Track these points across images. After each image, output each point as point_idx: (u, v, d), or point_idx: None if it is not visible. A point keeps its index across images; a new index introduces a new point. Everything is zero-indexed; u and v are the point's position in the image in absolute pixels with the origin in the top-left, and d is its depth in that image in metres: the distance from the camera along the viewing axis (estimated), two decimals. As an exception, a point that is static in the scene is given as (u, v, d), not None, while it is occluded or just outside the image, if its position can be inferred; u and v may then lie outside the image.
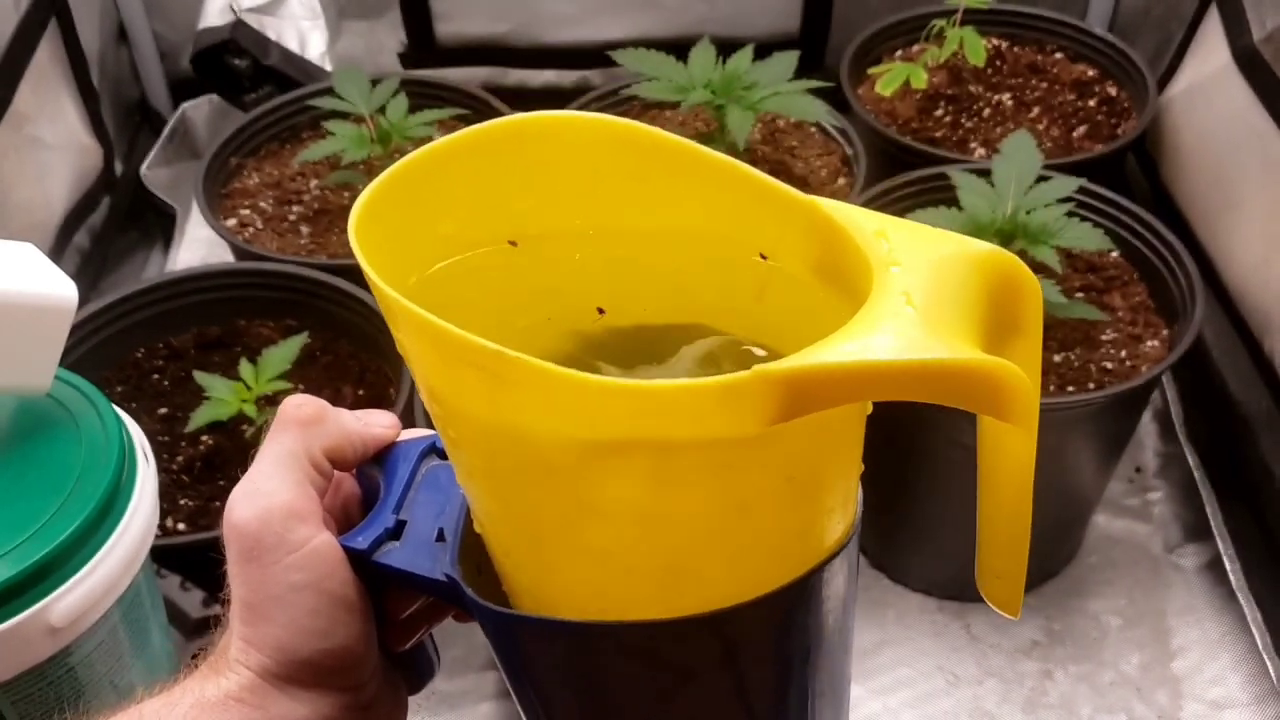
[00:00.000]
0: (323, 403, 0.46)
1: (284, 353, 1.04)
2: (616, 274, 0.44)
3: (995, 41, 1.48)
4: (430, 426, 0.43)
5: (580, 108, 1.36)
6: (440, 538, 0.44)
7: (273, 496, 0.43)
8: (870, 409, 0.40)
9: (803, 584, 0.40)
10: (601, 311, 0.44)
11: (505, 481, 0.39)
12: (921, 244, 0.38)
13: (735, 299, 0.43)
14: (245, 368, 1.03)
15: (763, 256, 0.42)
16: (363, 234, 0.37)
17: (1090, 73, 1.45)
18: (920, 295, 0.35)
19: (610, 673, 0.42)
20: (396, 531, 0.45)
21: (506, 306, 0.43)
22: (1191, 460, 1.32)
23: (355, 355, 1.13)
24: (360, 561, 0.44)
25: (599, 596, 0.40)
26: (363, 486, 0.48)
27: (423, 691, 1.22)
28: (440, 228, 0.41)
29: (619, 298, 0.44)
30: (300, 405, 0.45)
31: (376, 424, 0.47)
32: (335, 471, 0.46)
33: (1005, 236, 1.06)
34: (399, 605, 0.47)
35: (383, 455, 0.47)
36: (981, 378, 0.34)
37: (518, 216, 0.42)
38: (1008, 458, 0.40)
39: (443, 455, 0.47)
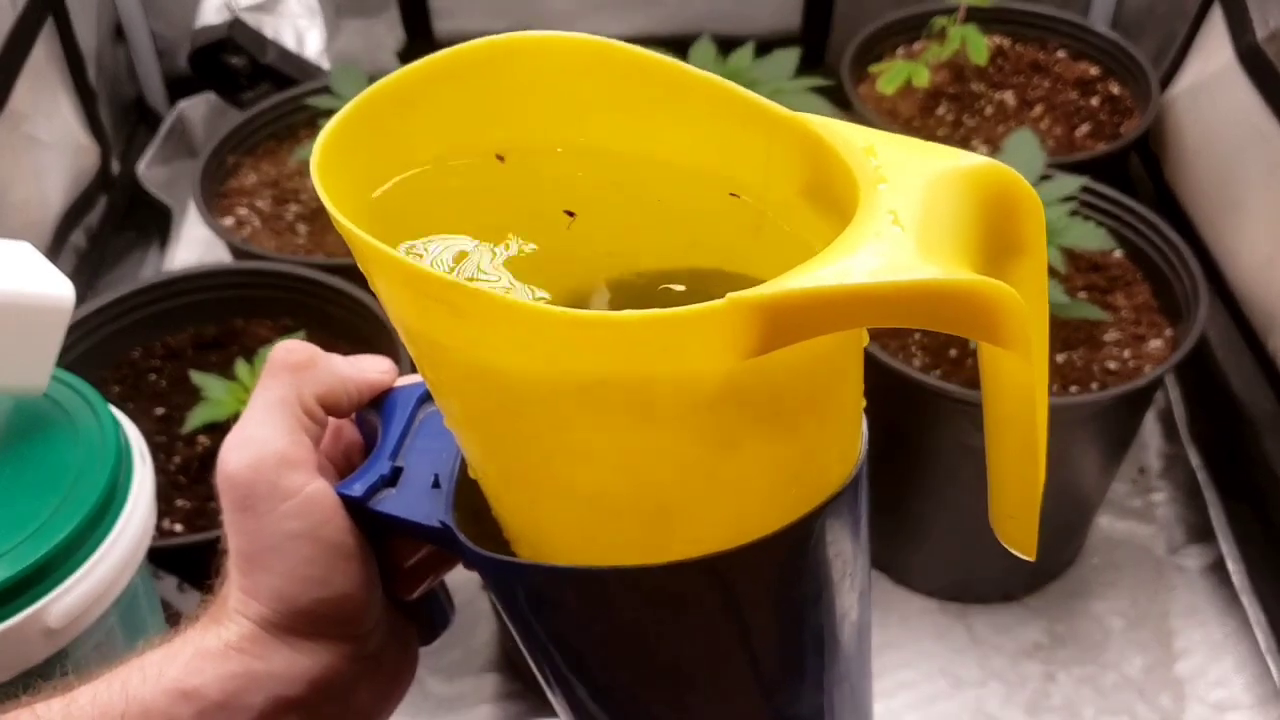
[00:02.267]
0: (313, 348, 0.45)
1: (282, 352, 1.03)
2: (607, 205, 0.42)
3: (997, 39, 1.47)
4: None
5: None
6: (436, 484, 0.43)
7: (265, 444, 0.42)
8: (867, 339, 0.38)
9: (800, 527, 0.38)
10: (571, 215, 0.42)
11: (485, 424, 0.38)
12: (912, 160, 0.35)
13: (732, 237, 0.41)
14: (242, 368, 1.03)
15: (733, 195, 0.40)
16: (326, 164, 0.36)
17: (1093, 71, 1.44)
18: (908, 213, 0.33)
19: (605, 618, 0.41)
20: (393, 478, 0.44)
21: (496, 233, 0.41)
22: (1195, 461, 1.31)
23: (353, 355, 1.12)
24: (357, 509, 0.43)
25: (589, 540, 0.39)
26: (363, 433, 0.47)
27: (421, 693, 1.21)
28: (415, 155, 0.40)
29: (614, 235, 0.42)
30: (290, 351, 0.44)
31: (371, 369, 0.46)
32: (334, 418, 0.46)
33: (1008, 236, 1.05)
34: (403, 553, 0.46)
35: (380, 401, 0.46)
36: (970, 298, 0.32)
37: (497, 142, 0.41)
38: (1009, 388, 0.38)
39: None
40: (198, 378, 1.03)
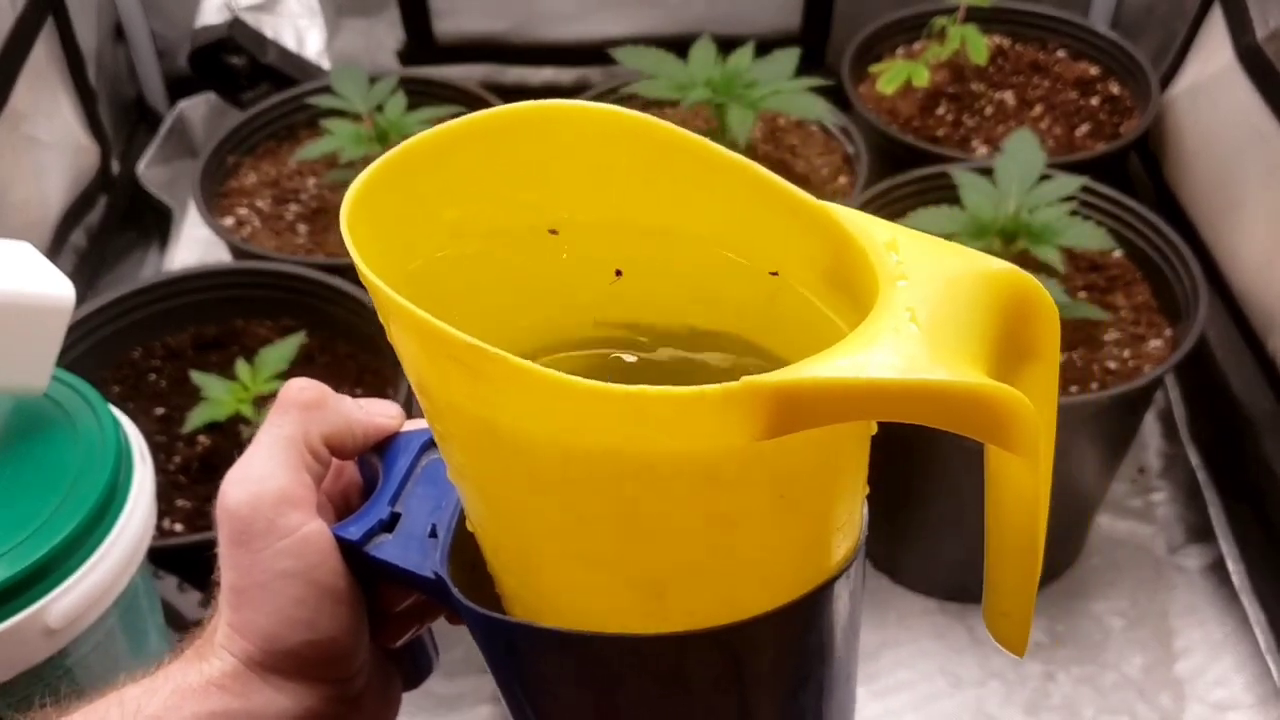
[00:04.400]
0: (325, 388, 0.45)
1: (281, 352, 1.03)
2: (630, 270, 0.42)
3: (997, 39, 1.47)
4: None
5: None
6: (433, 533, 0.43)
7: (265, 481, 0.42)
8: (875, 429, 0.39)
9: (798, 608, 0.38)
10: (619, 274, 0.42)
11: (490, 481, 0.38)
12: (933, 258, 0.36)
13: (747, 304, 0.42)
14: (242, 368, 1.03)
15: (774, 274, 0.40)
16: (355, 218, 0.36)
17: (1093, 71, 1.44)
18: (926, 312, 0.34)
19: (596, 683, 0.41)
20: (390, 524, 0.44)
21: (519, 300, 0.42)
22: (1195, 461, 1.31)
23: (353, 355, 1.12)
24: (352, 552, 0.43)
25: (585, 605, 0.39)
26: (364, 475, 0.47)
27: (421, 692, 1.21)
28: (444, 215, 0.40)
29: (628, 296, 0.43)
30: (302, 389, 0.44)
31: (379, 413, 0.46)
32: (336, 459, 0.46)
33: (1008, 236, 1.05)
34: (392, 599, 0.46)
35: (384, 445, 0.46)
36: (982, 403, 0.32)
37: (525, 207, 0.41)
38: (1013, 490, 0.38)
39: None
40: (198, 378, 1.03)
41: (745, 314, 0.42)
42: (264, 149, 1.36)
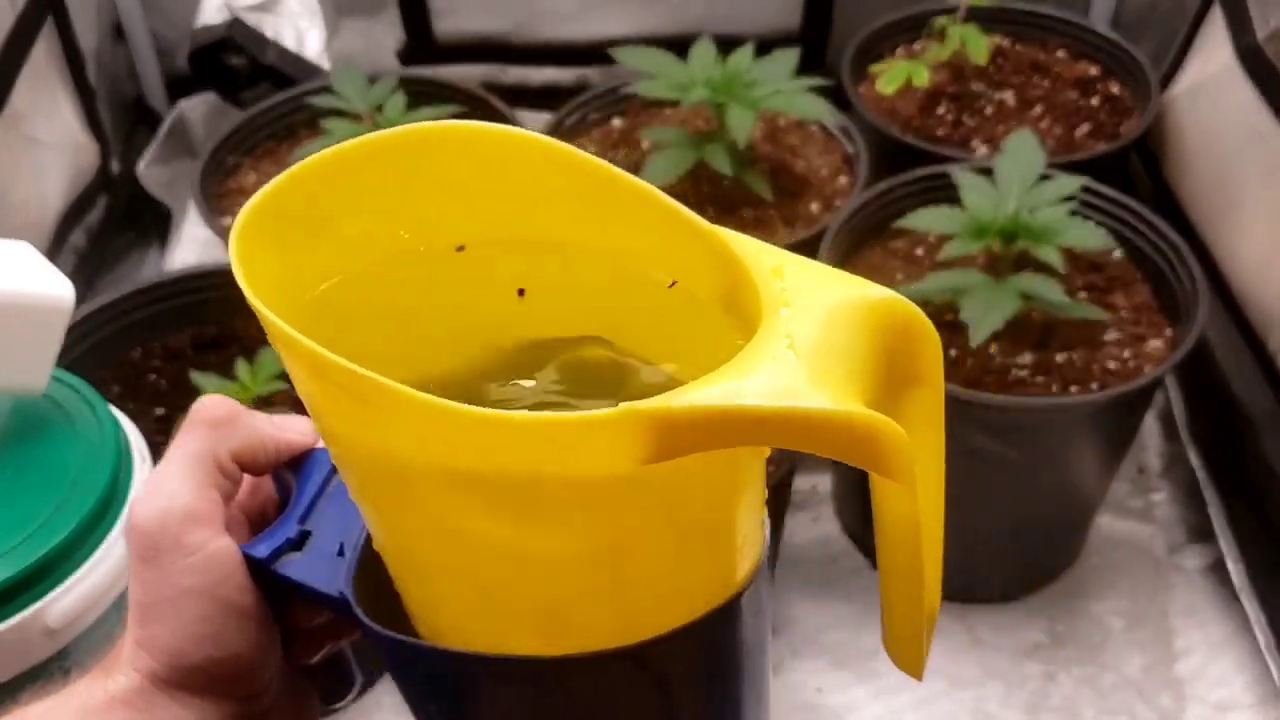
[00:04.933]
0: (235, 404, 0.45)
1: (282, 352, 1.03)
2: (534, 287, 0.43)
3: (998, 39, 1.47)
4: None
5: (579, 106, 1.36)
6: (341, 552, 0.43)
7: (172, 498, 0.42)
8: (770, 451, 0.38)
9: (699, 626, 0.38)
10: (521, 292, 0.43)
11: (384, 506, 0.38)
12: (817, 285, 0.36)
13: (648, 319, 0.42)
14: (242, 368, 1.03)
15: (672, 284, 0.41)
16: (249, 239, 0.36)
17: (1093, 71, 1.44)
18: (806, 340, 0.34)
19: (499, 704, 0.41)
20: (299, 542, 0.44)
21: (418, 317, 0.42)
22: (1195, 461, 1.31)
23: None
24: (260, 569, 0.43)
25: (485, 627, 0.39)
26: (279, 491, 0.47)
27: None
28: (349, 234, 0.40)
29: (534, 312, 0.43)
30: (212, 406, 0.44)
31: (293, 429, 0.46)
32: (250, 475, 0.46)
33: (1007, 235, 1.05)
34: (304, 616, 0.46)
35: (298, 461, 0.46)
36: (856, 431, 0.32)
37: (431, 225, 0.41)
38: (894, 516, 0.38)
39: None
40: (197, 378, 1.03)
41: (648, 329, 0.42)
42: (264, 149, 1.36)
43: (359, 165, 0.39)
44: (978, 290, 1.04)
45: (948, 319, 1.10)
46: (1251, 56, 1.26)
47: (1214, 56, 1.34)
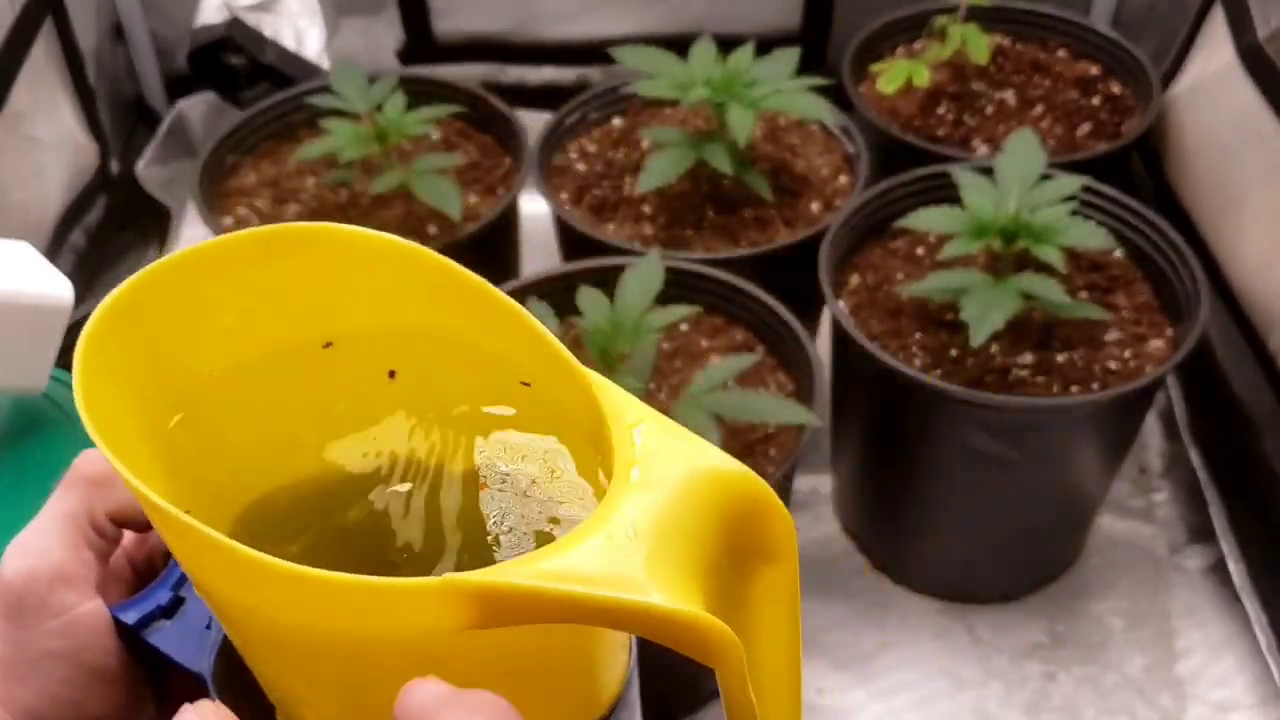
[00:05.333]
0: None
1: (281, 352, 1.03)
2: (401, 370, 0.43)
3: (998, 38, 1.47)
4: None
5: (579, 105, 1.36)
6: (209, 625, 0.42)
7: (42, 556, 0.41)
8: None
9: None
10: (393, 374, 0.43)
11: (229, 624, 0.38)
12: (671, 452, 0.36)
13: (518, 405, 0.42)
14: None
15: (525, 384, 0.40)
16: (98, 349, 0.35)
17: (1094, 70, 1.44)
18: (649, 515, 0.34)
19: None
20: (171, 609, 0.43)
21: (287, 415, 0.42)
22: (1196, 461, 1.31)
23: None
24: (129, 635, 0.42)
25: None
26: (162, 550, 0.46)
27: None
28: (213, 334, 0.39)
29: (406, 395, 0.43)
30: (91, 462, 0.43)
31: None
32: (134, 533, 0.45)
33: (1008, 235, 1.05)
34: (177, 680, 0.44)
35: None
36: (683, 628, 0.32)
37: (292, 322, 0.40)
38: (731, 695, 0.38)
39: None
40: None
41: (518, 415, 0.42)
42: (263, 149, 1.36)
43: (220, 265, 0.38)
44: (978, 290, 1.04)
45: (948, 318, 1.10)
46: (1252, 56, 1.25)
47: (1215, 56, 1.34)
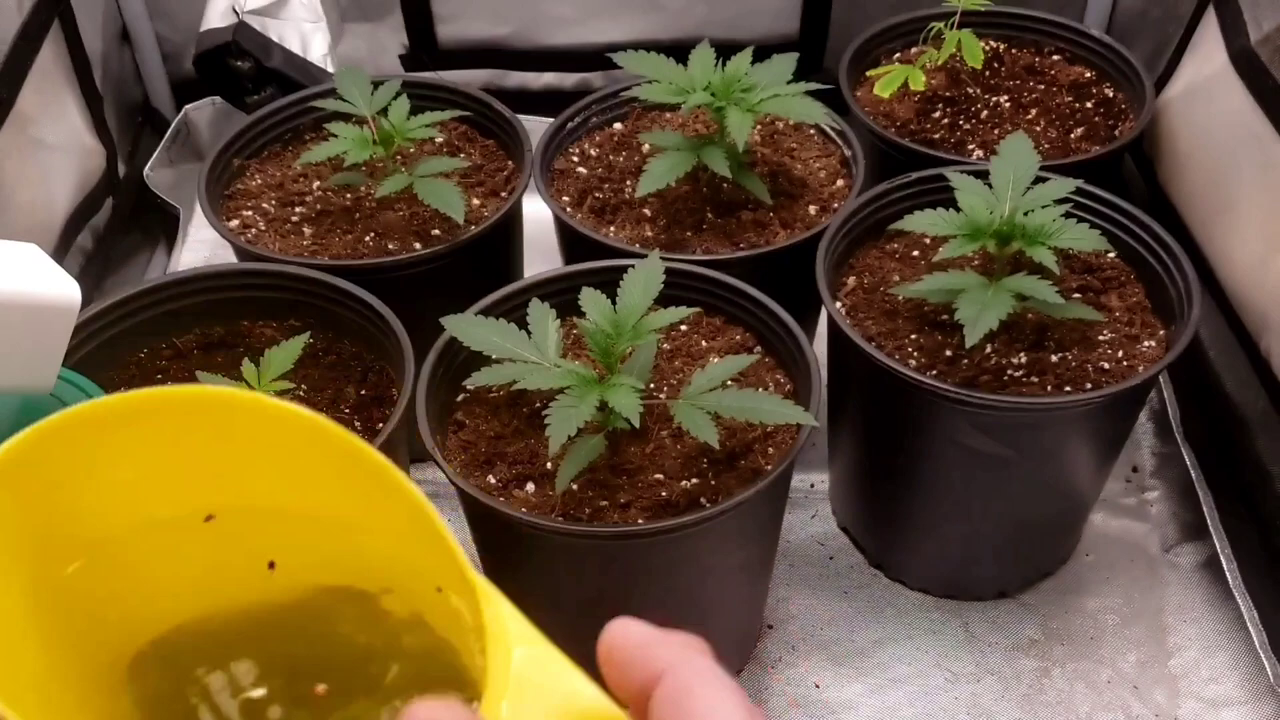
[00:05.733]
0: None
1: (287, 353, 1.05)
2: (280, 558, 0.42)
3: (993, 43, 1.49)
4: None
5: (580, 110, 1.37)
6: None
7: None
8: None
9: None
10: (272, 565, 0.42)
11: None
12: (543, 691, 0.35)
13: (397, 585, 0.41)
14: (248, 368, 1.04)
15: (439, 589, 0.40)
16: None
17: (1088, 74, 1.46)
18: None
19: None
20: None
21: (164, 591, 0.41)
22: (1189, 460, 1.33)
23: (358, 355, 1.13)
24: None
25: None
26: None
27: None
28: (94, 508, 0.39)
29: (284, 583, 0.42)
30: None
31: None
32: None
33: (1002, 237, 1.07)
34: None
35: None
36: None
37: (172, 492, 0.40)
38: None
39: None
40: (204, 378, 1.04)
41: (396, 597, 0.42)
42: (269, 152, 1.37)
43: (116, 423, 0.38)
44: (973, 291, 1.05)
45: (944, 319, 1.11)
46: (1245, 59, 1.27)
47: (1208, 60, 1.35)
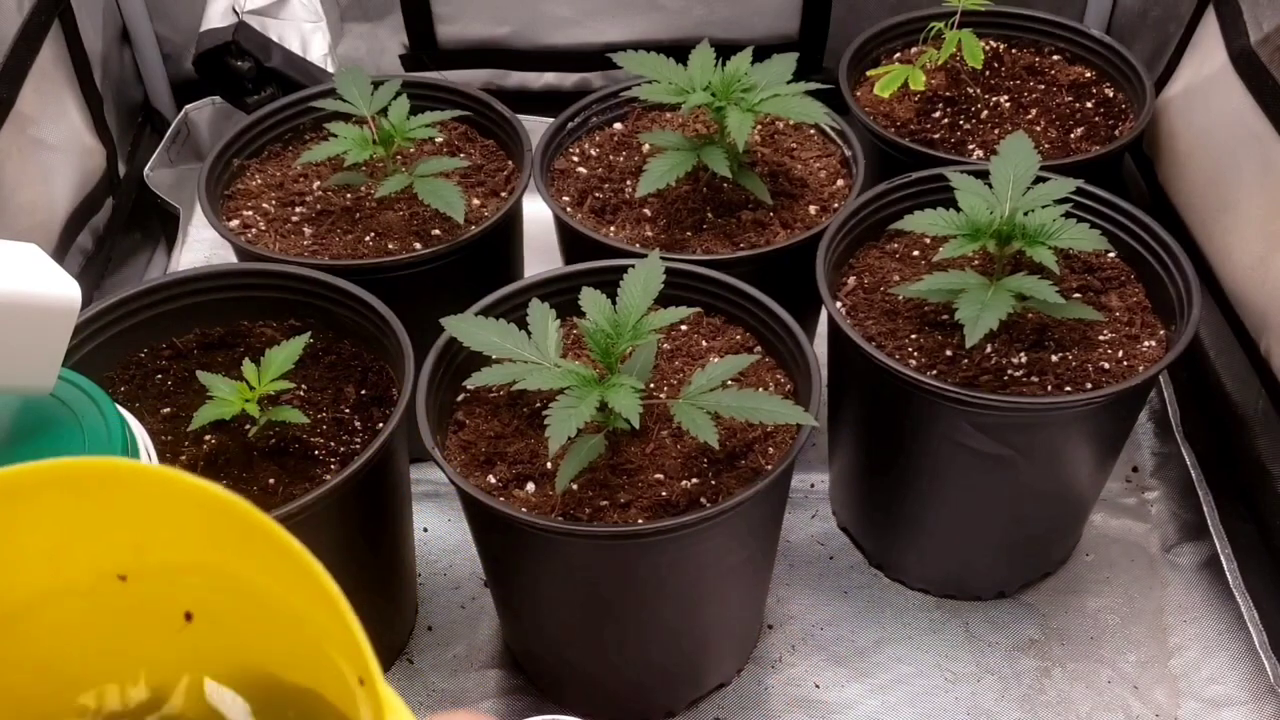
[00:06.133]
0: None
1: (287, 353, 1.05)
2: (197, 613, 0.42)
3: (993, 43, 1.49)
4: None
5: (580, 109, 1.37)
6: None
7: None
8: None
9: None
10: (189, 616, 0.43)
11: None
12: None
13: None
14: (248, 368, 1.04)
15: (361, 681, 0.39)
16: None
17: (1088, 74, 1.46)
18: None
19: None
20: None
21: (73, 660, 0.42)
22: (1189, 459, 1.33)
23: (358, 355, 1.13)
24: None
25: None
26: None
27: (424, 690, 1.21)
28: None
29: (201, 642, 0.43)
30: None
31: None
32: None
33: (1003, 237, 1.07)
34: None
35: None
36: None
37: (84, 555, 0.40)
38: None
39: None
40: (204, 377, 1.04)
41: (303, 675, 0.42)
42: (269, 152, 1.37)
43: (22, 493, 0.38)
44: (973, 291, 1.05)
45: (944, 319, 1.11)
46: (1244, 60, 1.27)
47: (1208, 60, 1.35)
